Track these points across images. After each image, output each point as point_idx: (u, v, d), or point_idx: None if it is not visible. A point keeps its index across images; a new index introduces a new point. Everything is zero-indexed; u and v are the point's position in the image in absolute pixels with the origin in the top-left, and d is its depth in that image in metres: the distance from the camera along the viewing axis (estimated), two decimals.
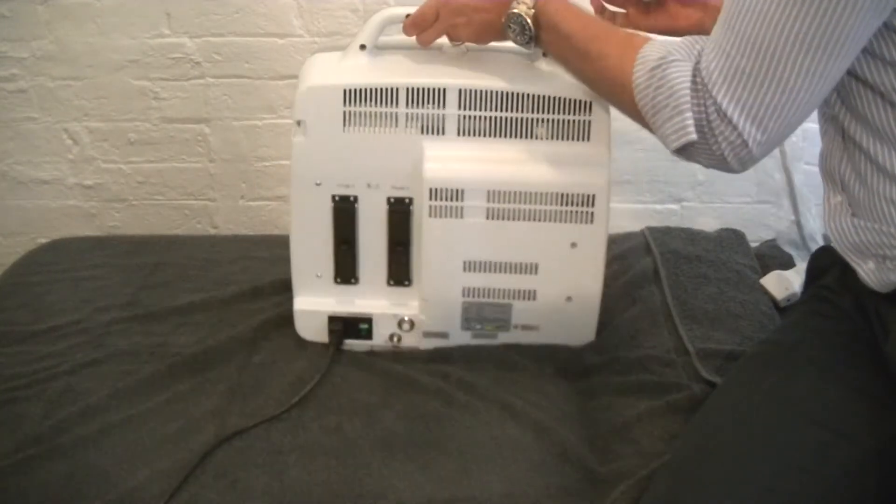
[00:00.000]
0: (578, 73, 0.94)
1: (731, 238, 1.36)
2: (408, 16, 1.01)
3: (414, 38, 1.02)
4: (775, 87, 0.74)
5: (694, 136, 0.78)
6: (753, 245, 1.38)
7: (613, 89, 0.87)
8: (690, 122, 0.78)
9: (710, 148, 0.79)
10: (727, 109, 0.76)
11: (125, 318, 1.16)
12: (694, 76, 0.78)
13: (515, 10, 0.93)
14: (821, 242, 1.53)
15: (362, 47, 1.01)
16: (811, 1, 0.70)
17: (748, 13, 0.73)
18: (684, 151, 0.81)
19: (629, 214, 1.82)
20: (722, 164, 0.80)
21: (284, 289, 1.14)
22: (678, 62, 0.79)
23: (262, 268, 1.28)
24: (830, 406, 0.84)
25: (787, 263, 1.31)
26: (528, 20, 0.92)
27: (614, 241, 1.31)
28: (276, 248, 1.31)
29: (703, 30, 1.01)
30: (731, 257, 1.31)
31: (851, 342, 0.89)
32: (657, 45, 0.82)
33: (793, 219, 1.77)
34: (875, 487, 0.80)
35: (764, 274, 1.26)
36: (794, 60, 0.73)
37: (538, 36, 0.94)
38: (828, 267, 0.97)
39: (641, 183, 1.82)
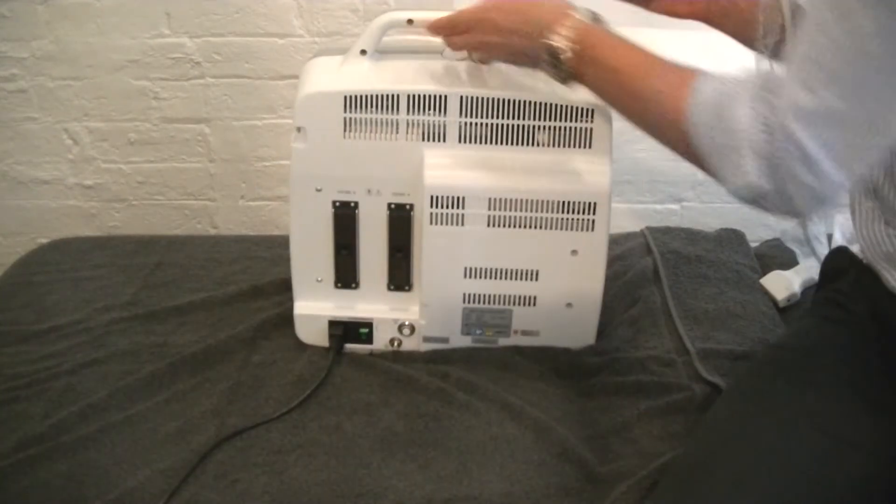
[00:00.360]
0: (624, 111, 0.86)
1: (731, 238, 1.36)
2: (409, 21, 0.99)
3: (421, 39, 0.98)
4: (867, 128, 0.68)
5: (755, 179, 0.72)
6: (753, 245, 1.38)
7: (665, 129, 0.80)
8: (753, 164, 0.72)
9: (779, 193, 0.72)
10: (811, 151, 0.69)
11: (126, 318, 1.16)
12: (757, 114, 0.71)
13: (554, 42, 0.84)
14: (823, 241, 1.52)
15: (363, 52, 1.01)
16: None
17: (840, 48, 0.66)
18: (745, 194, 0.75)
19: (629, 214, 1.82)
20: (790, 209, 0.74)
21: (285, 289, 1.14)
22: (737, 99, 0.73)
23: (262, 268, 1.28)
24: (839, 415, 0.82)
25: (788, 263, 1.31)
26: (567, 55, 0.84)
27: (614, 242, 1.32)
28: (276, 248, 1.32)
29: (708, 17, 0.98)
30: (731, 257, 1.31)
31: (863, 350, 0.87)
32: (711, 80, 0.76)
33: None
34: (883, 498, 0.78)
35: (764, 274, 1.26)
36: (893, 100, 0.67)
37: (577, 70, 0.85)
38: (843, 270, 0.94)
39: (641, 183, 1.82)
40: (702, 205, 1.86)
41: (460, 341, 1.09)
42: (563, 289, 1.06)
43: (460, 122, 0.99)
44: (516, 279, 1.04)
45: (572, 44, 0.84)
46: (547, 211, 1.00)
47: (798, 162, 0.70)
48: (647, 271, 1.26)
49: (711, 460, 0.81)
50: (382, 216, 1.04)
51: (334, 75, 1.01)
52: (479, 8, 0.93)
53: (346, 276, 1.08)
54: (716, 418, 0.88)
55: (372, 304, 1.09)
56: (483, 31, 0.92)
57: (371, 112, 0.99)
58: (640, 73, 0.81)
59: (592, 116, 0.99)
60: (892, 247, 0.83)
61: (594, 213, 1.01)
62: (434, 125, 0.99)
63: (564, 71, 0.85)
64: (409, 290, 1.08)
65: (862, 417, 0.82)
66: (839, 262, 0.96)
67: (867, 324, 0.88)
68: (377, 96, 0.98)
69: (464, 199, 1.00)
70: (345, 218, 1.04)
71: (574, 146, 1.00)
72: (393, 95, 0.98)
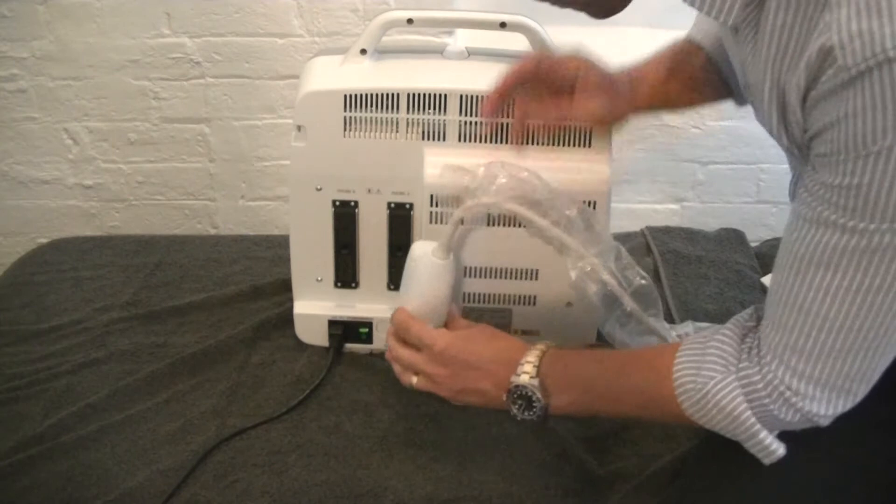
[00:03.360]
0: (615, 416, 0.84)
1: (732, 238, 1.36)
2: (409, 20, 0.99)
3: (422, 38, 0.98)
4: (862, 357, 0.67)
5: (781, 451, 0.73)
6: (753, 245, 1.38)
7: (664, 420, 0.80)
8: (768, 438, 0.72)
9: (800, 427, 0.72)
10: (812, 395, 0.69)
11: (126, 318, 1.16)
12: (744, 387, 0.71)
13: (518, 382, 0.81)
14: None
15: (363, 51, 1.01)
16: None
17: (818, 292, 0.66)
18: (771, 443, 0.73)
19: (629, 214, 1.83)
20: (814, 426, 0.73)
21: (284, 289, 1.14)
22: (721, 382, 0.72)
23: (262, 268, 1.28)
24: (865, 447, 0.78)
25: None
26: (536, 391, 0.80)
27: None
28: (276, 248, 1.32)
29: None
30: (731, 257, 1.31)
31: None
32: (687, 365, 0.75)
33: None
34: None
35: (764, 274, 1.26)
36: (885, 328, 0.66)
37: (548, 404, 0.81)
38: None
39: (641, 183, 1.82)
40: (702, 205, 1.86)
41: None
42: (563, 288, 1.05)
43: (460, 121, 0.99)
44: (516, 278, 1.04)
45: (537, 378, 0.81)
46: None
47: (807, 402, 0.70)
48: (647, 271, 1.25)
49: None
50: (382, 215, 1.04)
51: (334, 74, 1.01)
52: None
53: (346, 275, 1.07)
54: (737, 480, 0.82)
55: (372, 303, 1.09)
56: (430, 361, 0.87)
57: (371, 111, 0.98)
58: (615, 376, 0.80)
59: None
60: None
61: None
62: (434, 124, 0.99)
63: (538, 407, 0.81)
64: None
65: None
66: None
67: None
68: (377, 95, 0.98)
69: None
70: (345, 217, 1.04)
71: (573, 145, 1.00)
72: (393, 94, 0.98)
